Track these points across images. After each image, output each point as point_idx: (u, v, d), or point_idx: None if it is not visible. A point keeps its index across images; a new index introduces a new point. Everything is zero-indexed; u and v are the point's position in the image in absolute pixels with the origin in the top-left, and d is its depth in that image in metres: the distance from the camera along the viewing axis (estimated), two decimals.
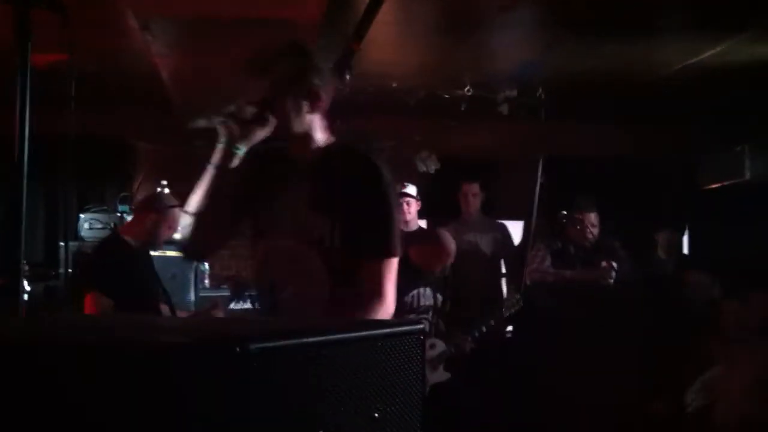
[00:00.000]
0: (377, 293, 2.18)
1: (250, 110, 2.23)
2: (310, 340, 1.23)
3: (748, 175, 6.06)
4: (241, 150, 2.25)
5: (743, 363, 3.50)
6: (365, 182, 2.23)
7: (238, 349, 1.09)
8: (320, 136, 2.31)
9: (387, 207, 2.24)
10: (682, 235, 6.48)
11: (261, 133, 2.22)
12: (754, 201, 6.20)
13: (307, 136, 2.28)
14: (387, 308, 2.19)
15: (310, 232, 2.21)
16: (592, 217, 5.37)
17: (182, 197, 4.56)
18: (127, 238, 3.99)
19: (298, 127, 2.25)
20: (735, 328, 3.62)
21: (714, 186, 6.46)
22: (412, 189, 5.28)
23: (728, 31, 4.21)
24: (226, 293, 5.84)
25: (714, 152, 6.38)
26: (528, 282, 5.32)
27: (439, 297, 4.71)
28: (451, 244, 4.59)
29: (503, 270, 5.83)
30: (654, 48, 4.53)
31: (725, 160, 6.25)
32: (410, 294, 4.60)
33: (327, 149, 2.31)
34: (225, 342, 1.14)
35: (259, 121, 2.22)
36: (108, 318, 2.42)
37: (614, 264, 5.16)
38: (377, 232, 2.22)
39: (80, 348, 1.18)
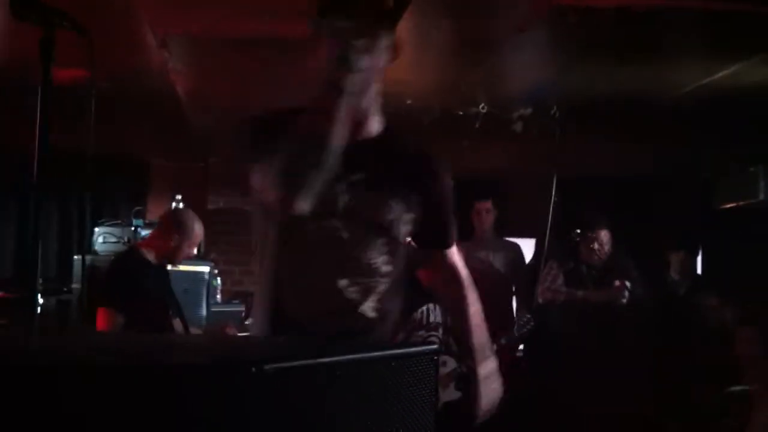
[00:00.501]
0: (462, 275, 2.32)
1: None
2: (325, 360, 1.24)
3: (762, 196, 6.04)
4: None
5: None
6: (435, 168, 2.18)
7: (253, 369, 1.10)
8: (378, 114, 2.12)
9: (451, 195, 2.22)
10: (696, 256, 6.46)
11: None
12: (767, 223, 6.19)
13: (371, 108, 2.10)
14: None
15: (375, 215, 2.03)
16: (605, 237, 5.35)
17: (195, 211, 4.60)
18: (146, 253, 4.00)
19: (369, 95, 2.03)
20: (752, 354, 3.58)
21: (728, 206, 6.44)
22: None
23: (741, 53, 4.21)
24: (238, 308, 5.85)
25: (729, 173, 6.36)
26: (540, 301, 5.30)
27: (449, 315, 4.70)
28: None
29: (515, 289, 5.83)
30: (668, 68, 4.53)
31: (740, 180, 6.24)
32: (419, 310, 4.59)
33: (387, 128, 2.15)
34: (241, 362, 1.15)
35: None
36: (121, 336, 2.43)
37: (627, 284, 5.14)
38: (450, 223, 2.24)
39: (92, 367, 1.19)
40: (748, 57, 4.25)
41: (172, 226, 4.06)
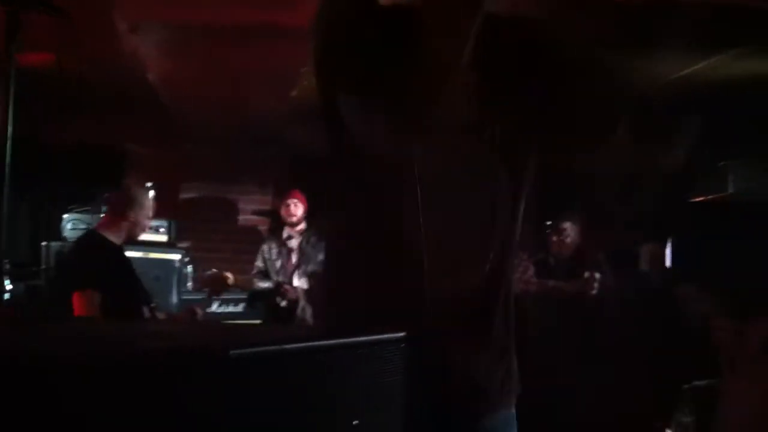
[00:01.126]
0: None
1: None
2: (291, 347, 1.24)
3: (732, 190, 6.10)
4: None
5: (745, 384, 3.51)
6: None
7: (218, 355, 1.10)
8: None
9: None
10: (665, 247, 6.52)
11: None
12: (738, 216, 6.25)
13: None
14: None
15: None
16: (570, 228, 5.40)
17: (170, 198, 4.58)
18: (108, 235, 3.98)
19: None
20: (732, 348, 3.63)
21: (698, 200, 6.50)
22: None
23: (719, 46, 4.25)
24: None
25: (699, 166, 6.42)
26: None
27: None
28: None
29: None
30: (641, 62, 4.56)
31: (711, 174, 6.29)
32: None
33: None
34: (205, 348, 1.15)
35: None
36: (98, 324, 2.41)
37: (597, 275, 5.19)
38: None
39: (73, 359, 1.18)
40: (727, 50, 4.29)
41: (123, 204, 4.05)
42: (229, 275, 5.09)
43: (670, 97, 5.07)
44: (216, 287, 4.89)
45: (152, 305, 4.03)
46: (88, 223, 5.50)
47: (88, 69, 4.62)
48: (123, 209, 4.02)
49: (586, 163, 2.92)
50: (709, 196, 6.31)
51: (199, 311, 4.25)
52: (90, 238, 4.06)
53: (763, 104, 5.11)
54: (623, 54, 4.09)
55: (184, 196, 7.26)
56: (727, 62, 4.40)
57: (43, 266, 5.21)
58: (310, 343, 1.28)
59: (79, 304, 3.68)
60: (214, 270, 5.93)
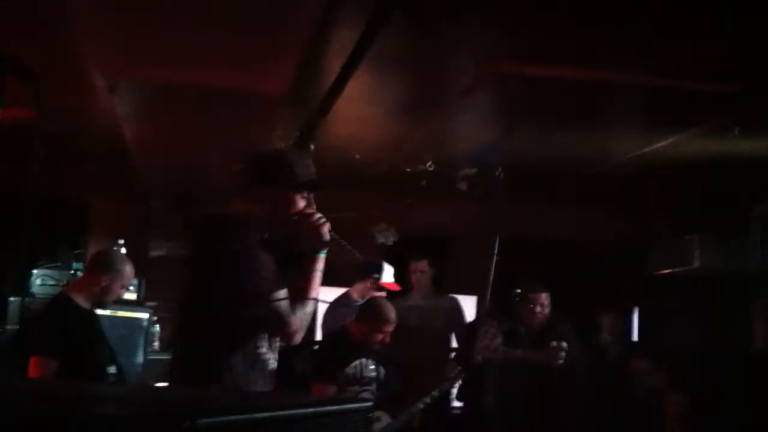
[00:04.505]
0: None
1: None
2: (258, 415, 1.25)
3: (697, 264, 6.20)
4: None
5: None
6: None
7: (187, 423, 1.10)
8: None
9: None
10: (627, 319, 6.59)
11: None
12: (702, 289, 6.35)
13: None
14: None
15: None
16: (543, 298, 5.44)
17: (137, 256, 4.56)
18: (77, 298, 3.92)
19: None
20: (677, 418, 3.67)
21: (664, 273, 6.59)
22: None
23: (677, 126, 4.38)
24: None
25: (665, 240, 6.54)
26: (479, 359, 5.34)
27: (382, 370, 4.70)
28: (390, 313, 4.58)
29: (453, 344, 5.88)
30: (606, 137, 4.69)
31: (675, 248, 6.40)
32: (352, 365, 4.58)
33: None
34: (173, 415, 1.15)
35: None
36: (53, 385, 2.39)
37: (564, 345, 5.21)
38: None
39: (22, 416, 1.18)
40: (684, 130, 4.42)
41: (102, 267, 3.99)
42: None
43: (631, 173, 5.20)
44: None
45: (118, 366, 3.97)
46: (57, 279, 5.44)
47: (63, 125, 4.65)
48: (98, 273, 3.95)
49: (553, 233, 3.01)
50: (675, 269, 6.41)
51: None
52: (58, 302, 3.98)
53: (719, 182, 5.25)
54: (579, 131, 4.24)
55: (152, 253, 7.22)
56: (687, 140, 4.53)
57: (9, 324, 5.13)
58: (278, 413, 1.29)
59: (34, 369, 3.62)
60: None
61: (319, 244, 2.57)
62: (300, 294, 2.52)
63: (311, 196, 2.68)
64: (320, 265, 2.57)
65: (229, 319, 2.46)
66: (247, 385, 2.42)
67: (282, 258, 2.50)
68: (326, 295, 3.06)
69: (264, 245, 2.50)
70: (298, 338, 2.53)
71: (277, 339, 2.59)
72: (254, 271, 2.44)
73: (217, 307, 2.47)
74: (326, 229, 2.60)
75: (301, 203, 2.63)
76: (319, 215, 2.61)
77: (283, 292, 2.45)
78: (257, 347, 2.51)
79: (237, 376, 2.42)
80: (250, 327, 2.48)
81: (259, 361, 2.51)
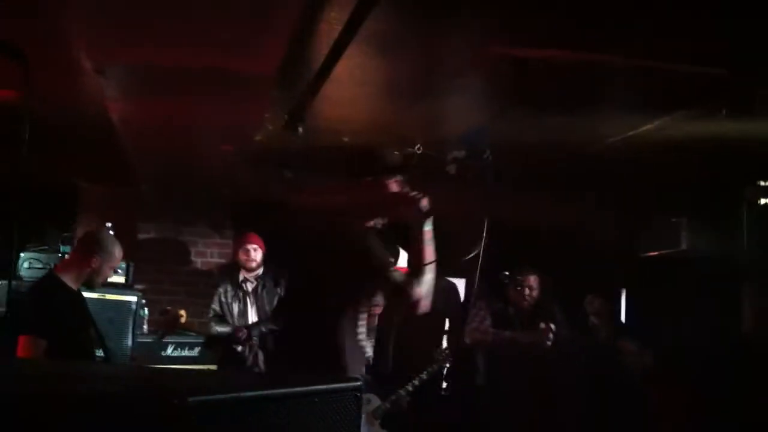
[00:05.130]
0: None
1: None
2: (248, 394, 1.25)
3: (684, 246, 6.23)
4: None
5: None
6: None
7: (176, 401, 1.10)
8: None
9: None
10: (614, 301, 6.62)
11: None
12: (691, 272, 6.37)
13: None
14: None
15: None
16: (532, 280, 5.47)
17: (125, 239, 4.55)
18: (66, 278, 3.91)
19: None
20: (665, 399, 3.70)
21: (651, 255, 6.62)
22: None
23: (665, 108, 4.39)
24: (164, 339, 5.76)
25: (652, 222, 6.56)
26: (468, 341, 5.37)
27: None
28: (379, 296, 4.59)
29: (447, 324, 5.91)
30: (595, 120, 4.69)
31: (663, 230, 6.42)
32: None
33: None
34: (163, 394, 1.16)
35: None
36: (43, 365, 2.39)
37: (552, 326, 5.25)
38: None
39: (13, 396, 1.18)
40: (673, 112, 4.43)
41: (91, 248, 3.98)
42: (182, 312, 5.05)
43: (620, 156, 5.21)
44: (169, 325, 4.83)
45: (105, 348, 3.98)
46: (45, 263, 5.43)
47: (51, 107, 4.62)
48: (88, 254, 3.94)
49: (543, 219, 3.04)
50: (662, 252, 6.43)
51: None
52: (47, 282, 3.97)
53: (708, 165, 5.27)
54: (569, 114, 4.26)
55: (141, 236, 7.20)
56: (671, 124, 4.54)
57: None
58: (268, 391, 1.30)
59: (23, 348, 3.62)
60: (169, 308, 5.88)
61: (421, 216, 2.79)
62: (416, 266, 2.73)
63: (402, 179, 2.98)
64: (428, 236, 2.79)
65: (354, 297, 2.77)
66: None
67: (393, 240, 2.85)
68: None
69: (374, 231, 2.86)
70: (425, 306, 2.75)
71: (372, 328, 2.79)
72: (368, 251, 2.76)
73: (338, 293, 2.76)
74: (425, 202, 2.83)
75: (395, 186, 2.93)
76: (415, 192, 2.88)
77: (398, 268, 2.77)
78: (357, 334, 2.64)
79: (347, 358, 2.71)
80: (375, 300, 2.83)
81: (358, 348, 2.79)
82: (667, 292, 6.52)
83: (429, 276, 2.75)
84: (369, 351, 4.70)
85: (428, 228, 2.79)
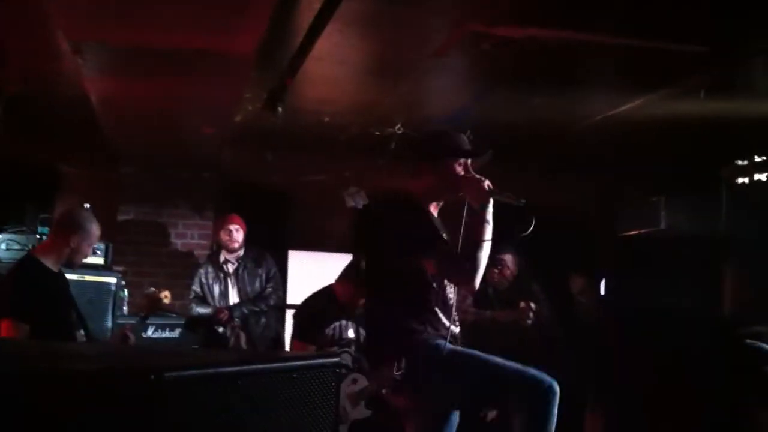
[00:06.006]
0: None
1: None
2: (225, 370, 1.25)
3: (663, 225, 6.27)
4: None
5: None
6: None
7: (152, 377, 1.11)
8: None
9: None
10: (597, 279, 6.65)
11: None
12: (670, 251, 6.42)
13: None
14: None
15: None
16: (508, 259, 5.49)
17: (105, 220, 4.52)
18: (46, 261, 3.88)
19: None
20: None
21: (631, 234, 6.66)
22: None
23: (647, 87, 4.40)
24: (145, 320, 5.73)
25: (632, 201, 6.60)
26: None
27: (362, 332, 4.73)
28: None
29: None
30: (577, 99, 4.70)
31: (642, 209, 6.46)
32: (332, 326, 4.61)
33: None
34: (140, 370, 1.16)
35: None
36: (23, 345, 2.38)
37: (532, 305, 5.28)
38: None
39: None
40: (653, 91, 4.45)
41: (69, 227, 3.94)
42: (166, 294, 5.03)
43: (601, 135, 5.23)
44: (152, 306, 4.81)
45: (87, 330, 3.96)
46: (23, 244, 5.39)
47: (28, 87, 4.58)
48: (66, 234, 3.90)
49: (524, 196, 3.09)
50: (642, 231, 6.48)
51: (131, 336, 4.14)
52: (26, 264, 3.93)
53: (687, 144, 5.30)
54: (550, 93, 4.26)
55: (120, 218, 7.17)
56: (654, 102, 4.56)
57: None
58: (244, 367, 1.30)
59: (5, 332, 3.59)
60: (152, 289, 5.85)
61: (483, 198, 2.92)
62: (473, 242, 2.88)
63: (467, 162, 3.10)
64: (488, 216, 2.92)
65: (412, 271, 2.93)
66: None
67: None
68: None
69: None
70: (476, 281, 2.89)
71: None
72: (425, 228, 2.97)
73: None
74: (486, 184, 2.95)
75: (459, 169, 3.06)
76: (478, 176, 3.01)
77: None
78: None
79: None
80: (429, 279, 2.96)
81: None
82: (647, 271, 6.57)
83: (482, 253, 2.89)
84: (352, 333, 4.73)
85: (489, 209, 2.93)
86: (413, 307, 2.97)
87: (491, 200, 2.97)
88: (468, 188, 2.99)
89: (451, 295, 3.07)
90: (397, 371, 2.92)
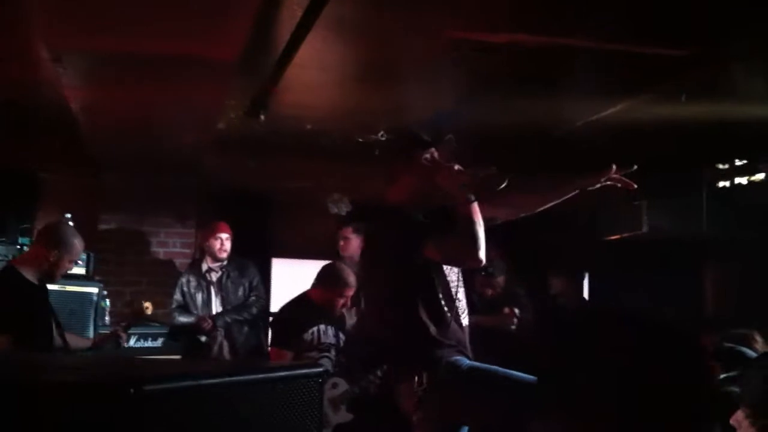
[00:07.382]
0: None
1: None
2: (206, 382, 1.24)
3: (645, 229, 6.30)
4: None
5: None
6: None
7: (132, 390, 1.09)
8: None
9: None
10: (578, 281, 6.67)
11: None
12: (652, 254, 6.46)
13: None
14: None
15: None
16: (504, 279, 5.51)
17: (86, 230, 4.49)
18: (25, 272, 3.85)
19: None
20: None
21: (613, 237, 6.69)
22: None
23: (628, 91, 4.42)
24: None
25: (614, 205, 6.62)
26: None
27: (341, 335, 4.72)
28: (350, 277, 4.61)
29: None
30: (558, 104, 4.71)
31: (624, 213, 6.49)
32: (310, 331, 4.59)
33: None
34: (120, 382, 1.14)
35: None
36: (2, 356, 2.35)
37: (516, 311, 5.29)
38: None
39: None
40: (635, 95, 4.47)
41: (50, 241, 3.91)
42: (148, 305, 5.00)
43: (583, 139, 5.24)
44: (133, 317, 4.78)
45: (66, 341, 3.92)
46: (3, 255, 5.34)
47: (8, 96, 4.54)
48: (48, 248, 3.87)
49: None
50: (624, 234, 6.50)
51: (124, 336, 4.14)
52: (5, 275, 3.89)
53: (668, 147, 5.32)
54: (532, 99, 4.27)
55: (102, 227, 7.11)
56: (636, 107, 4.58)
57: None
58: (226, 379, 1.29)
59: None
60: (135, 301, 5.81)
61: (458, 179, 2.97)
62: (466, 221, 2.89)
63: (433, 155, 3.14)
64: (471, 196, 2.95)
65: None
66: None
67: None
68: None
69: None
70: (480, 254, 2.89)
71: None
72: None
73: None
74: (456, 167, 3.00)
75: (428, 161, 3.11)
76: (450, 164, 3.05)
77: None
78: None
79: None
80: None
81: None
82: (629, 274, 6.59)
83: (477, 228, 2.91)
84: (331, 338, 4.71)
85: (472, 198, 2.95)
86: (425, 310, 2.97)
87: (467, 180, 3.01)
88: (440, 175, 3.02)
89: (454, 286, 3.10)
90: (419, 385, 2.90)
